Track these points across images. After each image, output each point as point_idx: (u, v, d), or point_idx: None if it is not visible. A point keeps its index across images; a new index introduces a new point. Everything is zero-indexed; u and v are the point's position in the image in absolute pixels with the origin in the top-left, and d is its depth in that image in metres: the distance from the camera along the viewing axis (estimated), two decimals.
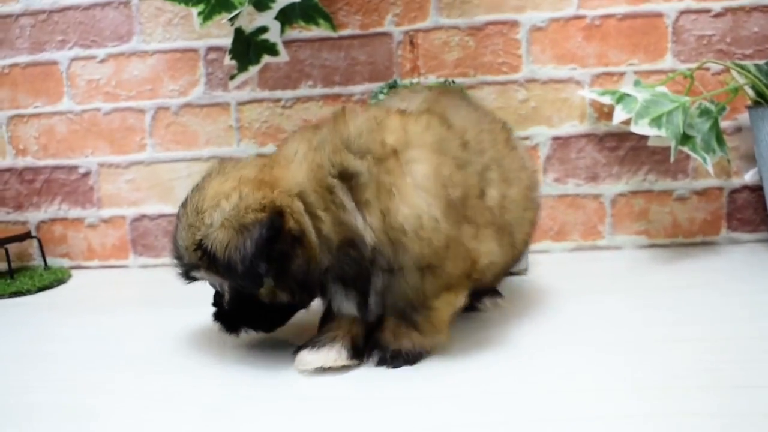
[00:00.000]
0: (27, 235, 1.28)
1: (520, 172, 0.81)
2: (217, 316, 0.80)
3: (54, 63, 1.30)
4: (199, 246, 0.71)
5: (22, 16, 1.29)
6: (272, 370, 0.75)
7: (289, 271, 0.71)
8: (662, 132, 1.04)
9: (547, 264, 1.15)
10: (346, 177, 0.70)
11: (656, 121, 1.04)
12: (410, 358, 0.74)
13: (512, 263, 0.86)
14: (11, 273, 1.23)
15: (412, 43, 1.15)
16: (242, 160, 0.79)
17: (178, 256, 0.77)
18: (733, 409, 0.59)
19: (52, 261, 1.34)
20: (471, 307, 0.87)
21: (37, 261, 1.35)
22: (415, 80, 1.12)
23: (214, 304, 0.81)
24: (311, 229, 0.71)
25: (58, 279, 1.23)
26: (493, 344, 0.79)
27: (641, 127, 1.04)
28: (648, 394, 0.63)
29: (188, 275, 0.77)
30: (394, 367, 0.73)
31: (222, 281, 0.75)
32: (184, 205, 0.77)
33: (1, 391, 0.73)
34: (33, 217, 1.34)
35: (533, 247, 1.19)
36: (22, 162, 1.33)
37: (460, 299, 0.74)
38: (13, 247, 1.30)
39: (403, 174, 0.69)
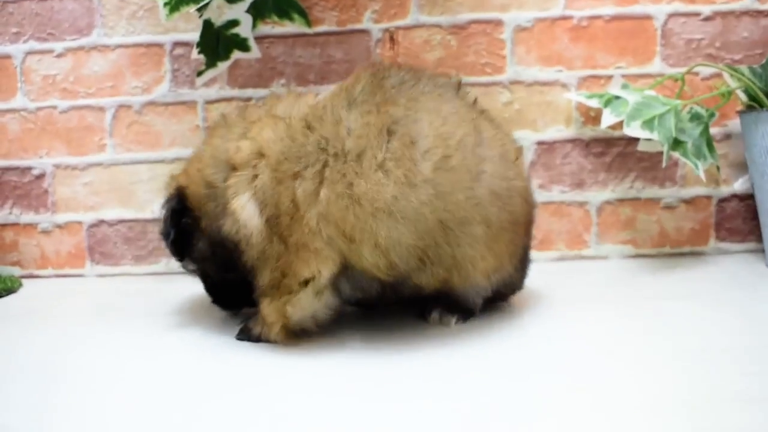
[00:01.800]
0: None
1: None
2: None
3: (7, 57, 1.21)
4: None
5: None
6: (234, 377, 0.68)
7: (195, 247, 0.85)
8: (654, 135, 0.99)
9: (531, 273, 1.10)
10: (211, 186, 0.82)
11: (648, 124, 1.00)
12: (251, 338, 0.81)
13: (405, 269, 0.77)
14: None
15: (392, 39, 1.10)
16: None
17: None
18: (732, 424, 0.54)
19: (1, 269, 1.24)
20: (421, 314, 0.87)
21: None
22: None
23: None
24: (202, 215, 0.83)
25: (8, 288, 1.14)
26: (478, 356, 0.73)
27: (634, 129, 0.99)
28: (641, 408, 0.58)
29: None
30: (238, 339, 0.82)
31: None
32: None
33: None
34: None
35: None
36: None
37: (287, 307, 0.77)
38: None
39: (235, 194, 0.78)
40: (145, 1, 1.18)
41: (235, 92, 1.19)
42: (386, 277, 0.76)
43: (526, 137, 1.16)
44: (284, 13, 1.11)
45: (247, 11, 1.10)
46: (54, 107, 1.22)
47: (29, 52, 1.21)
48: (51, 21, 1.20)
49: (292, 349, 0.78)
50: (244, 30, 1.11)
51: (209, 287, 0.91)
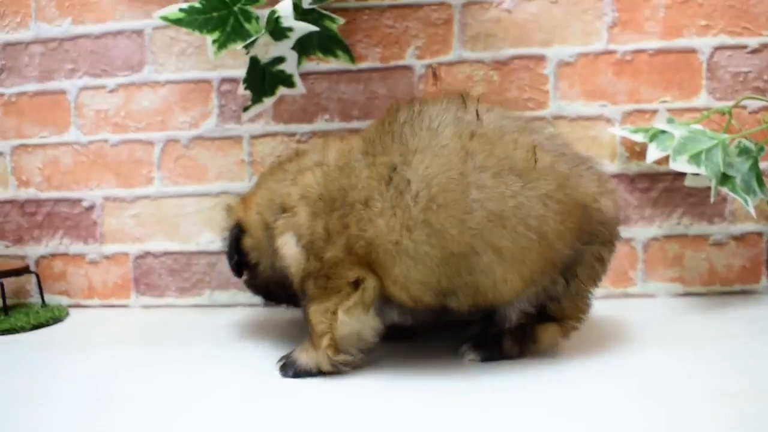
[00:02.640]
0: (25, 270, 1.21)
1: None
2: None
3: (62, 92, 1.26)
4: None
5: (33, 44, 1.26)
6: (273, 409, 0.67)
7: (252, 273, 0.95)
8: (701, 170, 0.97)
9: None
10: (268, 228, 0.88)
11: (695, 159, 0.98)
12: (297, 369, 0.81)
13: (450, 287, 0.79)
14: (6, 309, 1.16)
15: (435, 75, 1.11)
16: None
17: None
18: None
19: (49, 298, 1.27)
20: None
21: (35, 298, 1.28)
22: None
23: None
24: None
25: (55, 317, 1.16)
26: (527, 395, 0.71)
27: (680, 164, 0.98)
28: None
29: None
30: (283, 375, 0.82)
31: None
32: None
33: None
34: (32, 251, 1.28)
35: None
36: (24, 194, 1.28)
37: (338, 313, 0.79)
38: (10, 283, 1.23)
39: (281, 233, 0.85)
40: (195, 38, 1.22)
41: (280, 127, 1.21)
42: (416, 306, 0.79)
43: None
44: (329, 50, 1.13)
45: (293, 48, 1.12)
46: (105, 141, 1.25)
47: (83, 88, 1.25)
48: (104, 58, 1.25)
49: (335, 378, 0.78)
50: (290, 66, 1.13)
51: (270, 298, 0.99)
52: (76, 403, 0.75)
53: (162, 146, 1.24)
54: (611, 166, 1.15)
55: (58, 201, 1.27)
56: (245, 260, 0.93)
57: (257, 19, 1.08)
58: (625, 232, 1.13)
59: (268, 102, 1.16)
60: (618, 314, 1.06)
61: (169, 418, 0.69)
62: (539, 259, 0.77)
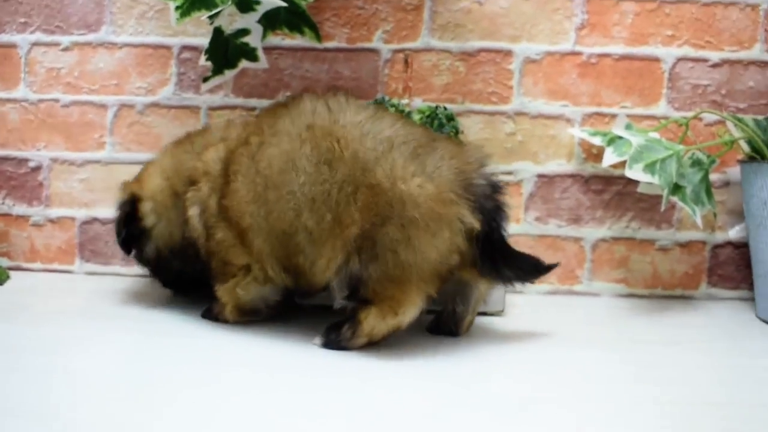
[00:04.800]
0: None
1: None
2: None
3: (13, 46, 1.21)
4: None
5: None
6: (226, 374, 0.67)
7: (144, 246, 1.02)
8: (655, 179, 0.99)
9: (521, 306, 1.10)
10: (177, 196, 0.98)
11: (650, 168, 1.00)
12: (211, 317, 0.97)
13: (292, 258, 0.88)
14: None
15: (406, 62, 1.10)
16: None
17: None
18: None
19: None
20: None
21: None
22: (405, 101, 1.06)
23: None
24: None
25: None
26: (466, 394, 0.72)
27: (636, 172, 1.00)
28: None
29: None
30: (203, 317, 0.98)
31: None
32: None
33: None
34: None
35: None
36: None
37: (237, 290, 0.93)
38: None
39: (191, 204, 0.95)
40: (156, 2, 1.18)
41: (239, 101, 1.19)
42: (277, 283, 0.93)
43: (527, 169, 1.16)
44: (295, 26, 1.11)
45: (259, 21, 1.09)
46: (56, 100, 1.21)
47: (35, 43, 1.20)
48: (60, 14, 1.20)
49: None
50: (254, 40, 1.10)
51: (165, 279, 1.08)
52: (22, 375, 0.73)
53: (116, 111, 1.20)
54: (567, 166, 1.16)
55: (2, 159, 1.22)
56: (139, 227, 1.00)
57: None
58: (575, 231, 1.16)
59: (229, 74, 1.13)
60: (564, 311, 1.09)
61: (111, 387, 0.68)
62: (335, 239, 0.84)
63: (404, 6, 1.15)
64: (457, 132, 1.03)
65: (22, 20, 1.20)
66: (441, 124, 1.02)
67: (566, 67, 1.15)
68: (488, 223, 0.83)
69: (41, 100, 1.21)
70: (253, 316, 0.95)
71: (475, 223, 0.81)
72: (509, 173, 1.15)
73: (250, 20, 1.09)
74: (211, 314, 0.97)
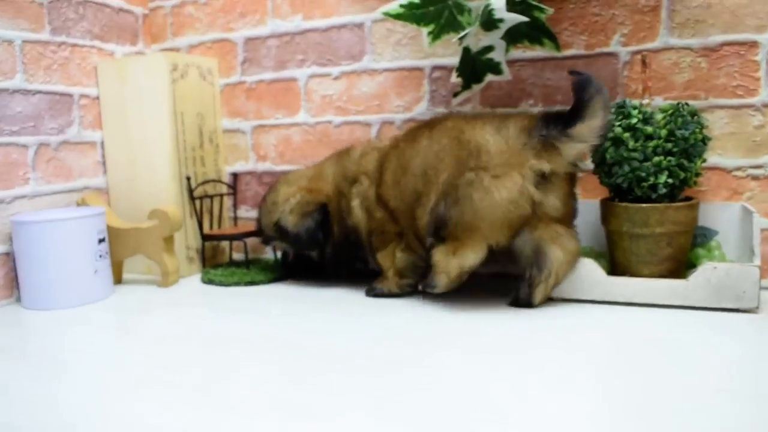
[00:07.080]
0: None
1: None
2: (284, 268, 1.33)
3: (294, 80, 1.44)
4: (276, 224, 1.24)
5: (269, 38, 1.45)
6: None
7: (330, 240, 1.23)
8: None
9: None
10: (343, 195, 1.21)
11: None
12: (377, 293, 1.16)
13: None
14: (248, 264, 1.38)
15: (644, 62, 1.13)
16: (297, 174, 1.29)
17: (261, 231, 1.30)
18: None
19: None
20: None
21: (269, 254, 1.50)
22: (645, 101, 1.10)
23: (282, 262, 1.34)
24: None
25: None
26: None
27: None
28: None
29: (268, 243, 1.32)
30: (368, 295, 1.17)
31: (288, 246, 1.28)
32: (264, 200, 1.29)
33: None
34: None
35: (765, 283, 1.11)
36: (261, 166, 1.49)
37: (396, 252, 1.15)
38: (250, 241, 1.45)
39: (354, 198, 1.20)
40: (409, 30, 1.34)
41: (486, 111, 1.31)
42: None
43: None
44: (535, 39, 1.19)
45: (502, 38, 1.19)
46: (329, 122, 1.42)
47: (311, 76, 1.43)
48: (330, 49, 1.41)
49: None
50: (498, 55, 1.20)
51: (306, 265, 1.30)
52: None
53: (378, 127, 1.38)
54: None
55: (286, 173, 1.46)
56: (327, 230, 1.22)
57: (470, 11, 1.17)
58: None
59: (476, 88, 1.25)
60: None
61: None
62: (433, 185, 1.07)
63: (641, 8, 1.19)
64: (702, 127, 1.05)
65: (300, 57, 1.43)
66: (685, 121, 1.05)
67: None
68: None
69: (318, 123, 1.43)
70: (409, 279, 1.14)
71: (543, 166, 0.96)
72: (759, 167, 1.14)
73: (494, 37, 1.19)
74: (374, 290, 1.16)
